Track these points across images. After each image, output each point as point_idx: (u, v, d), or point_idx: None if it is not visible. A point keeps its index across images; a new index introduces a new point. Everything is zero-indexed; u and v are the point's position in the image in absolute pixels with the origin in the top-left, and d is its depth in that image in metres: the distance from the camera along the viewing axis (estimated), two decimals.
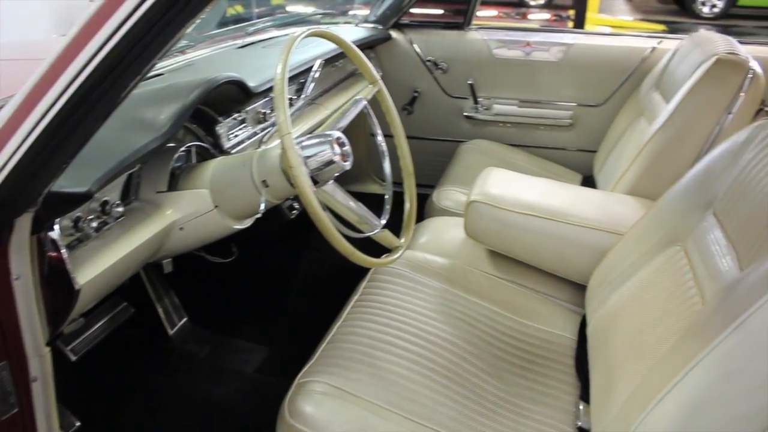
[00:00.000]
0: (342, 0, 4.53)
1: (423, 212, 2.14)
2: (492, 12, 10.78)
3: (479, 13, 10.94)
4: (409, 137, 1.59)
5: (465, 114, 2.64)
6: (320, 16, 3.61)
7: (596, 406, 1.26)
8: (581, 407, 1.34)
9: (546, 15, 10.91)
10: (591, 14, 10.81)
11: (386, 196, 1.51)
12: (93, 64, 0.80)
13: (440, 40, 2.62)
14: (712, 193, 1.29)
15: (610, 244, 1.54)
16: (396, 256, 1.46)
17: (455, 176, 2.24)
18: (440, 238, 1.83)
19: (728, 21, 11.63)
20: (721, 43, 1.92)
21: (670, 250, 1.32)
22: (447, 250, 1.77)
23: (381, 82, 1.54)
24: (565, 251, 1.64)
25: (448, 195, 2.13)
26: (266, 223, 1.55)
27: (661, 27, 10.54)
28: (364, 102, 1.50)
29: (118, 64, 0.81)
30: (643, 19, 11.33)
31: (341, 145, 1.33)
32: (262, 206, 1.33)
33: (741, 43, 2.40)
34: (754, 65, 1.82)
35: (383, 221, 1.45)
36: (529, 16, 10.74)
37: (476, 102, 2.61)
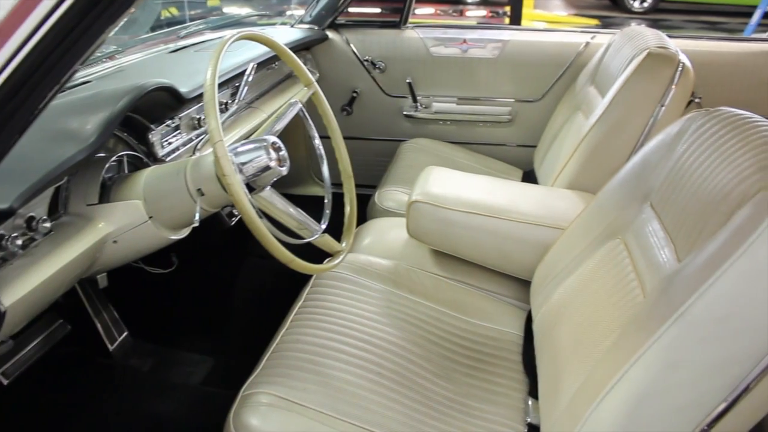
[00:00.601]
0: (277, 1, 4.48)
1: (365, 213, 2.13)
2: (429, 10, 10.83)
3: (417, 11, 10.93)
4: (349, 138, 1.58)
5: (405, 113, 2.63)
6: (256, 17, 3.56)
7: (545, 401, 1.26)
8: (530, 403, 1.34)
9: (483, 12, 11.01)
10: (527, 10, 10.97)
11: (326, 200, 1.49)
12: (5, 73, 0.75)
13: (377, 40, 2.60)
14: (649, 185, 1.30)
15: (553, 240, 1.55)
16: (337, 261, 1.44)
17: (396, 176, 2.23)
18: (383, 239, 1.82)
19: (657, 15, 11.94)
20: (651, 37, 1.95)
21: (610, 243, 1.33)
22: (390, 251, 1.75)
23: (316, 84, 1.51)
24: (508, 248, 1.64)
25: (390, 195, 2.11)
26: (206, 232, 1.51)
27: (595, 21, 10.76)
28: (300, 105, 1.47)
29: (32, 74, 0.76)
30: (577, 14, 11.54)
31: (277, 149, 1.30)
32: (198, 215, 1.29)
33: (670, 37, 2.46)
34: (683, 58, 1.85)
35: (323, 226, 1.42)
36: (467, 13, 10.82)
37: (415, 101, 2.60)
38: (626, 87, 1.83)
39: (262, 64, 2.00)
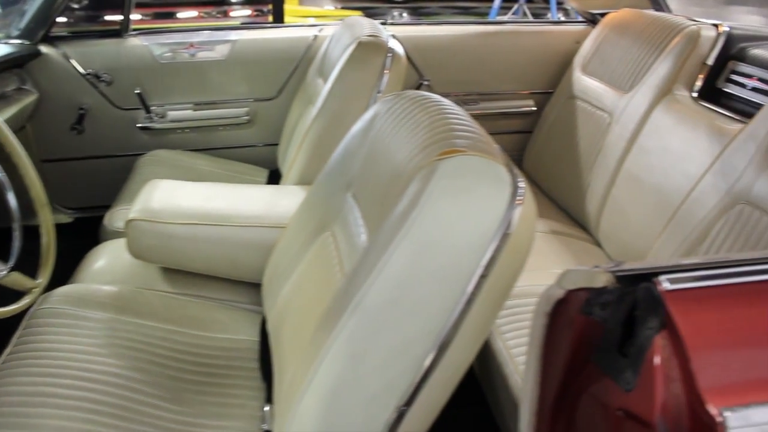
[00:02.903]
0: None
1: (98, 237, 1.99)
2: (192, 13, 10.53)
3: (180, 15, 10.47)
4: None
5: (139, 125, 2.49)
6: None
7: (276, 405, 1.24)
8: (267, 410, 1.31)
9: (247, 11, 10.90)
10: (292, 6, 11.01)
11: (15, 233, 1.36)
12: None
13: (99, 50, 2.44)
14: (351, 173, 1.31)
15: (278, 239, 1.53)
16: (26, 300, 1.32)
17: (130, 193, 2.11)
18: (110, 263, 1.71)
19: (417, 3, 12.50)
20: (366, 26, 1.99)
21: (322, 237, 1.33)
22: (117, 275, 1.65)
23: None
24: (234, 254, 1.60)
25: (121, 215, 1.99)
26: None
27: (359, 13, 11.03)
28: None
29: None
30: (344, 7, 11.76)
31: None
32: None
33: (393, 24, 2.55)
34: (395, 45, 1.91)
35: (10, 263, 1.29)
36: (231, 14, 10.65)
37: (149, 111, 2.48)
38: (341, 77, 1.86)
39: None
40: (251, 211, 1.62)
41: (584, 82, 2.37)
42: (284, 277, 1.42)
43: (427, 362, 0.93)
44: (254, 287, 1.64)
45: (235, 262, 1.61)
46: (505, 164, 0.97)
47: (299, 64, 2.50)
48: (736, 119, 1.80)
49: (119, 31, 2.48)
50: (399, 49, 1.93)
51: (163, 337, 1.47)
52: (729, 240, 1.57)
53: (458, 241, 0.91)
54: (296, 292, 1.34)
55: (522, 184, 0.95)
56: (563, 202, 2.35)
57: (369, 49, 1.85)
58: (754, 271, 0.72)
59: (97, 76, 2.42)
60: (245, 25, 2.62)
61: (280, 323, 1.36)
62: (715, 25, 2.06)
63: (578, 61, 2.46)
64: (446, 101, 1.20)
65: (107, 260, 1.72)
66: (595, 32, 2.44)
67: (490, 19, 7.57)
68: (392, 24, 2.60)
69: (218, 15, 10.55)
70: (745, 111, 1.85)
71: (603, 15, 2.50)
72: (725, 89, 2.03)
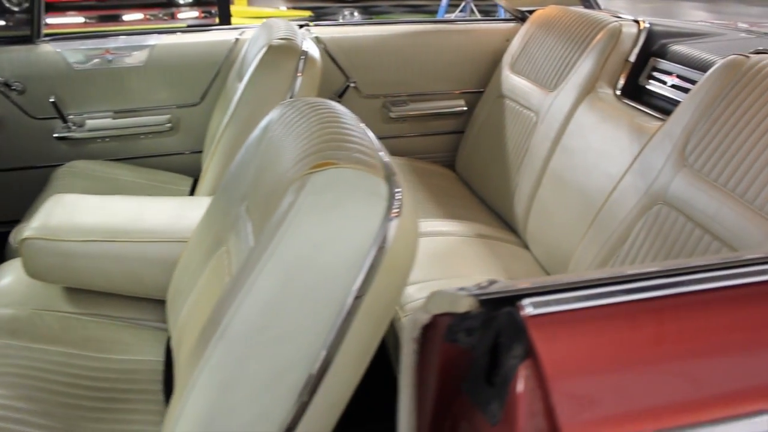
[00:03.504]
0: None
1: (4, 255, 1.89)
2: (138, 15, 10.36)
3: (126, 17, 10.30)
4: None
5: (56, 135, 2.39)
6: None
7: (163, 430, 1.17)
8: None
9: (195, 13, 10.74)
10: (241, 7, 10.89)
11: None
12: None
13: (9, 58, 2.33)
14: (246, 185, 1.25)
15: (180, 254, 1.46)
16: None
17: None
18: (8, 285, 1.61)
19: (369, 2, 12.46)
20: (281, 29, 1.93)
21: (218, 252, 1.26)
22: (14, 297, 1.56)
23: None
24: (136, 270, 1.52)
25: None
26: None
27: (308, 13, 10.95)
28: None
29: None
30: (293, 7, 11.67)
31: None
32: None
33: (318, 26, 2.49)
34: (310, 47, 1.85)
35: None
36: (179, 15, 10.49)
37: (65, 121, 2.37)
38: (251, 83, 1.79)
39: None
40: (155, 225, 1.54)
41: (512, 80, 2.33)
42: (185, 294, 1.35)
43: (304, 389, 0.87)
44: (161, 304, 1.56)
45: (138, 279, 1.53)
46: (384, 176, 0.92)
47: (221, 68, 2.42)
48: (657, 117, 1.77)
49: (30, 37, 2.37)
50: (314, 51, 1.87)
51: (59, 362, 1.38)
52: (648, 241, 1.54)
53: (328, 261, 0.85)
54: (193, 310, 1.28)
55: (400, 195, 0.90)
56: (493, 203, 2.32)
57: (280, 53, 1.79)
58: (626, 290, 0.67)
59: (7, 85, 2.31)
60: (164, 29, 2.51)
61: (180, 342, 1.29)
62: (637, 22, 2.04)
63: (507, 59, 2.43)
64: (340, 109, 1.15)
65: (6, 281, 1.63)
66: (523, 30, 2.41)
67: (438, 17, 7.54)
68: (316, 25, 2.53)
69: (165, 17, 10.39)
70: (666, 108, 1.82)
71: (532, 12, 2.47)
72: (647, 86, 2.00)
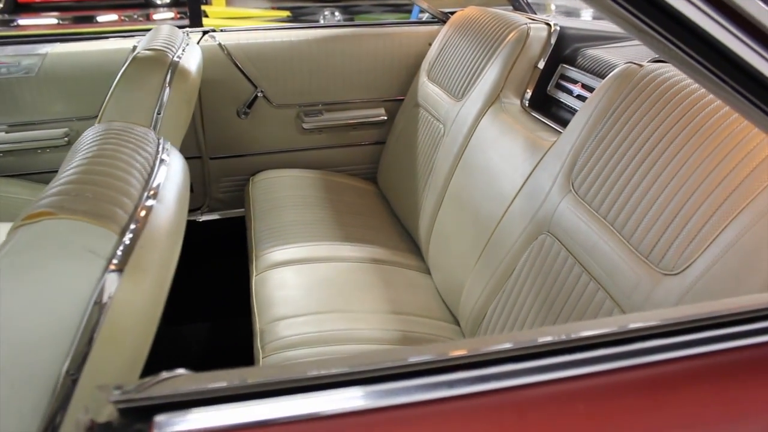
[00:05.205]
0: None
1: None
2: (113, 16, 10.21)
3: (100, 19, 10.13)
4: None
5: None
6: None
7: None
8: None
9: (171, 14, 10.59)
10: (219, 8, 10.71)
11: None
12: None
13: None
14: None
15: None
16: None
17: None
18: None
19: (349, 1, 12.32)
20: (159, 37, 1.77)
21: None
22: None
23: None
24: None
25: None
26: None
27: (286, 13, 10.79)
28: None
29: None
30: (273, 8, 11.52)
31: None
32: None
33: (236, 31, 2.32)
34: (188, 58, 1.70)
35: None
36: (154, 16, 10.34)
37: None
38: (114, 98, 1.62)
39: None
40: None
41: (427, 88, 2.17)
42: None
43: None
44: None
45: None
46: (122, 225, 0.76)
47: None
48: (559, 132, 1.59)
49: None
50: (190, 63, 1.71)
51: None
52: (531, 276, 1.38)
53: (25, 337, 0.69)
54: None
55: (129, 242, 0.75)
56: (405, 222, 2.15)
57: (144, 65, 1.62)
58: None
59: None
60: (58, 37, 2.35)
61: None
62: (547, 24, 1.86)
63: (424, 65, 2.26)
64: (140, 138, 0.99)
65: None
66: (441, 33, 2.24)
67: (411, 18, 7.37)
68: (222, 31, 2.36)
69: (141, 18, 10.24)
70: (569, 121, 1.66)
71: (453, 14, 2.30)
72: (555, 96, 1.83)
